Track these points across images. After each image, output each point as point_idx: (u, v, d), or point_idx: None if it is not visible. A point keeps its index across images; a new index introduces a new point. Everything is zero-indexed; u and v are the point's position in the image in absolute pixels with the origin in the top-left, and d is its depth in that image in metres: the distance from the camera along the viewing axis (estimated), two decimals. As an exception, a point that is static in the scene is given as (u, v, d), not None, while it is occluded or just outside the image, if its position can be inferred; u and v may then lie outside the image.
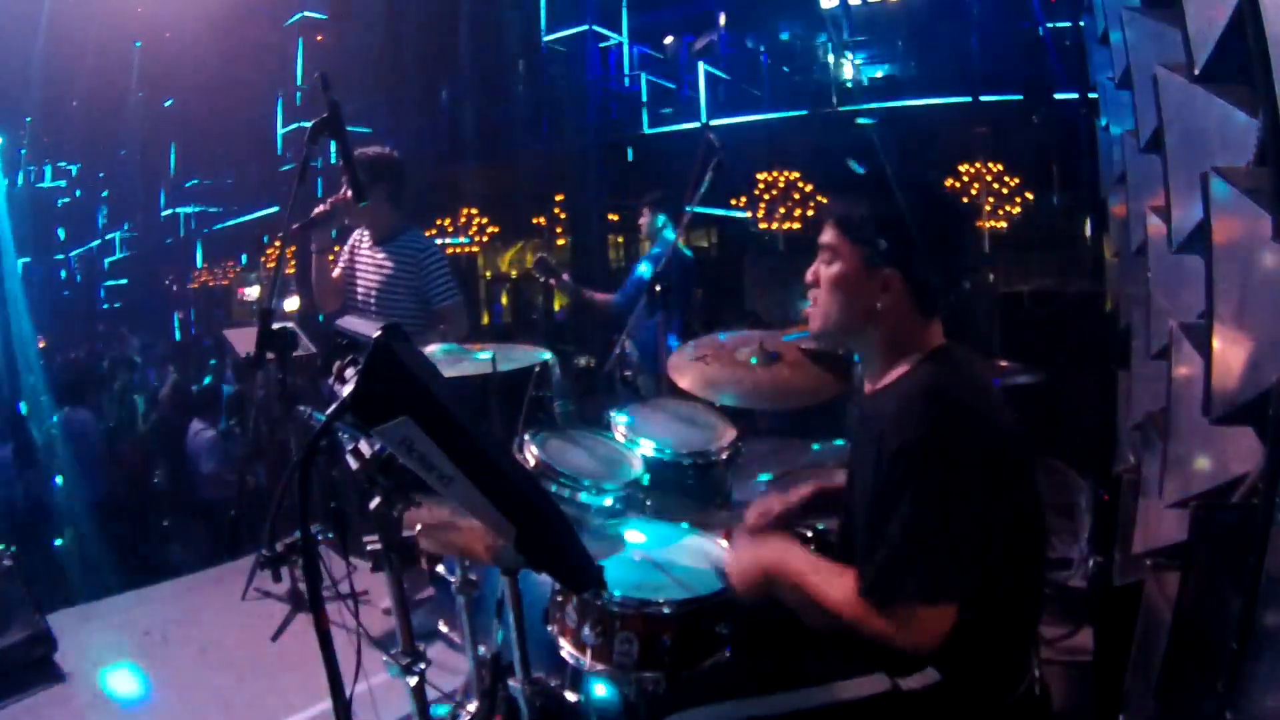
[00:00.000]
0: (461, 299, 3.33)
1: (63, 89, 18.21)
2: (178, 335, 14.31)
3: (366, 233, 3.37)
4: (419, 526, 1.69)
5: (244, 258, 20.31)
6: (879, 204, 1.51)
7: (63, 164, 23.74)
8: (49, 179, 23.81)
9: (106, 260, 24.94)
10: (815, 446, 2.70)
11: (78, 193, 24.70)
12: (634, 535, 2.03)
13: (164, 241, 23.12)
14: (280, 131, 18.14)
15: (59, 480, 6.51)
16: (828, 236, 1.55)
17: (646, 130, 14.09)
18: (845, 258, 1.52)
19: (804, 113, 12.59)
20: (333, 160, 3.16)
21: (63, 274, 25.31)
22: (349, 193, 3.04)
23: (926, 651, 1.34)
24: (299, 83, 17.40)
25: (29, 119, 19.95)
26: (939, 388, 1.41)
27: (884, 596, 1.34)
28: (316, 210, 3.11)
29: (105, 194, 24.33)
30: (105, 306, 22.76)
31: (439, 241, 16.42)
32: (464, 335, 3.19)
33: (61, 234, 24.80)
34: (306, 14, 17.53)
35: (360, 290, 3.33)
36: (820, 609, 1.45)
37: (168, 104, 18.84)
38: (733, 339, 2.57)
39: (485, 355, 2.33)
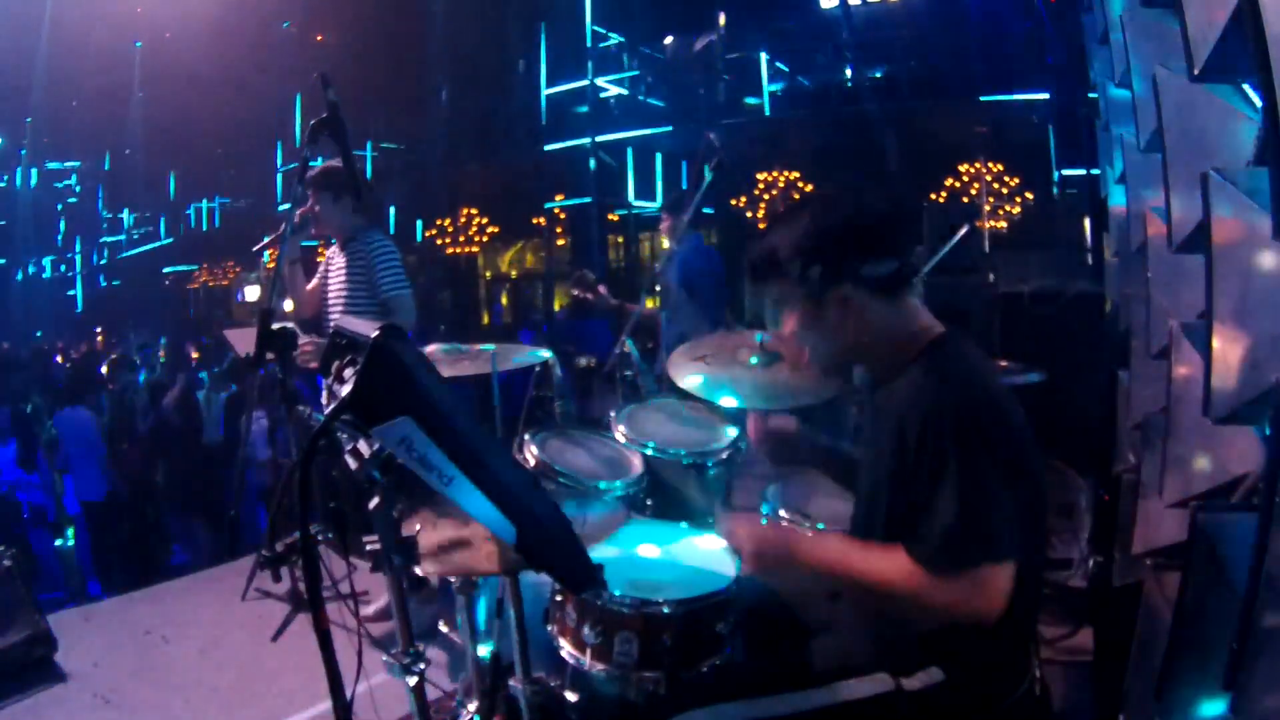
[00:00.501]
0: (411, 292, 3.37)
1: (63, 89, 18.22)
2: (166, 337, 14.28)
3: (338, 243, 3.45)
4: (419, 530, 1.68)
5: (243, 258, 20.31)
6: (788, 237, 1.49)
7: (63, 164, 23.74)
8: (49, 179, 23.81)
9: (105, 260, 24.95)
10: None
11: (77, 188, 24.70)
12: (634, 535, 2.03)
13: (164, 241, 23.13)
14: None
15: (59, 480, 6.52)
16: (772, 291, 1.54)
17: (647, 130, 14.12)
18: (795, 302, 1.51)
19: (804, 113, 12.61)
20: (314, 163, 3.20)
21: (63, 268, 25.30)
22: (316, 205, 3.20)
23: (995, 613, 1.31)
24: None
25: (29, 119, 19.95)
26: (950, 369, 1.42)
27: (951, 563, 1.32)
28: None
29: (105, 194, 24.34)
30: (105, 306, 22.75)
31: (438, 241, 16.50)
32: (412, 328, 3.25)
33: (61, 234, 24.81)
34: (306, 15, 17.53)
35: (330, 294, 3.42)
36: (870, 588, 1.42)
37: (168, 104, 18.83)
38: (733, 338, 2.57)
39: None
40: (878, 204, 1.52)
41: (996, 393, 1.43)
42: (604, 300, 4.71)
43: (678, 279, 4.53)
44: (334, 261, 3.45)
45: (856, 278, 1.46)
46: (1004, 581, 1.32)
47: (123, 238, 24.54)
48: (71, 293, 24.89)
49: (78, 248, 25.06)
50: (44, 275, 24.53)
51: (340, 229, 3.37)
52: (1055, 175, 11.33)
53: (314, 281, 3.51)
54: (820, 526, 1.99)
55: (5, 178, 22.26)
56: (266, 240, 3.34)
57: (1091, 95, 3.49)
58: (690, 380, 2.41)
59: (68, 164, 23.87)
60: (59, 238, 24.79)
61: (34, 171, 22.92)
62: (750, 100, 14.03)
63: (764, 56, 13.88)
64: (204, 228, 22.30)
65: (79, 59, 17.16)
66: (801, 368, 1.61)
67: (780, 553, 1.54)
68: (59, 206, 24.65)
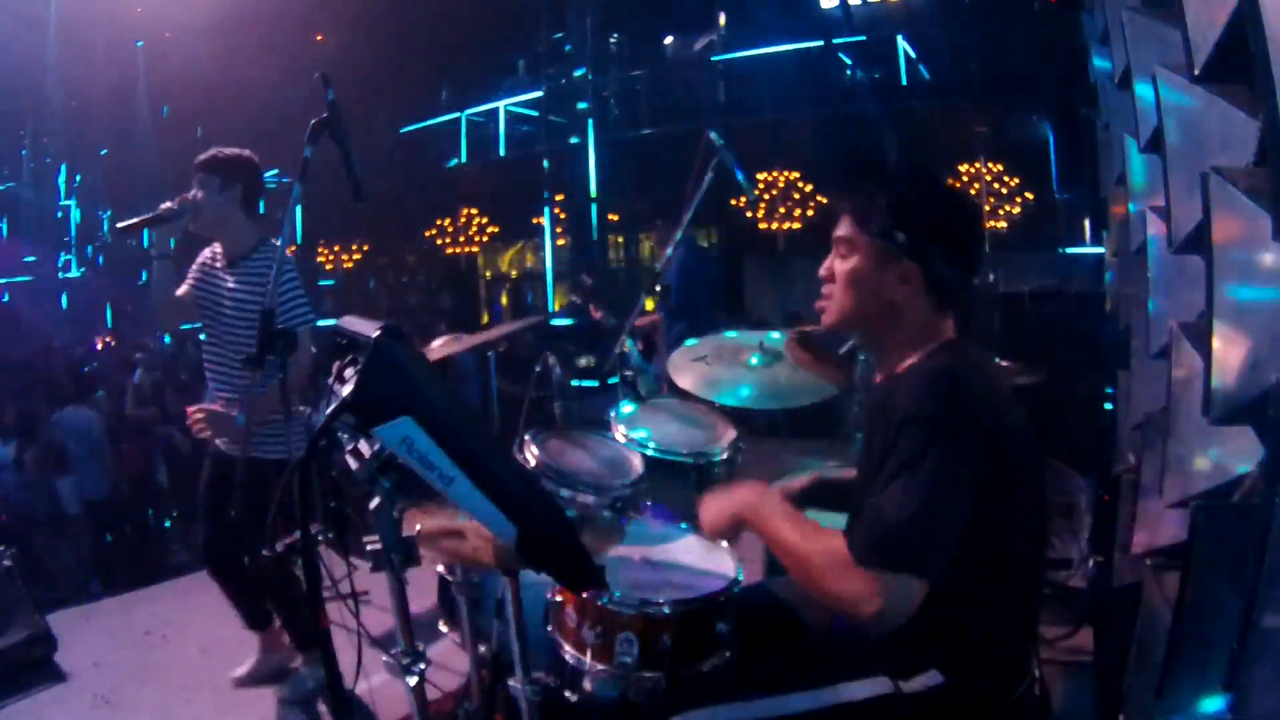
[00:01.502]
0: (312, 324, 2.80)
1: (63, 89, 18.22)
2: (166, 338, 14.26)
3: (220, 249, 2.90)
4: (418, 527, 1.69)
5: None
6: (896, 196, 1.50)
7: (63, 164, 23.74)
8: (49, 179, 23.80)
9: (105, 260, 24.94)
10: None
11: (77, 188, 24.70)
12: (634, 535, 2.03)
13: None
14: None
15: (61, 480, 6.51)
16: (844, 230, 1.53)
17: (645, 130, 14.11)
18: (862, 251, 1.51)
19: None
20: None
21: (62, 260, 25.24)
22: (200, 193, 2.75)
23: (892, 625, 1.31)
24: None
25: (29, 119, 19.95)
26: (950, 370, 1.42)
27: (875, 558, 1.32)
28: (162, 207, 2.72)
29: (106, 194, 24.34)
30: (102, 306, 22.75)
31: (438, 241, 16.48)
32: (308, 368, 2.77)
33: (62, 233, 24.81)
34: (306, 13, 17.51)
35: (209, 316, 2.87)
36: (791, 556, 1.45)
37: (168, 105, 18.84)
38: (733, 338, 2.57)
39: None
40: (977, 216, 1.63)
41: (990, 400, 1.43)
42: (605, 319, 4.74)
43: (676, 280, 4.56)
44: (217, 279, 2.85)
45: (927, 264, 1.47)
46: (915, 597, 1.31)
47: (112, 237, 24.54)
48: (70, 293, 24.87)
49: (77, 248, 25.05)
50: (44, 275, 24.52)
51: (219, 226, 2.81)
52: (1055, 175, 11.33)
53: (184, 288, 2.91)
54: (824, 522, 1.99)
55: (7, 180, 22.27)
56: (135, 220, 2.79)
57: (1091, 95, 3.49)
58: (690, 380, 2.42)
59: (68, 164, 23.87)
60: (59, 236, 24.79)
61: (33, 171, 22.93)
62: (750, 100, 14.01)
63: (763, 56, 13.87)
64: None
65: (79, 59, 17.16)
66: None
67: (732, 516, 1.60)
68: (59, 204, 24.65)
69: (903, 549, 1.31)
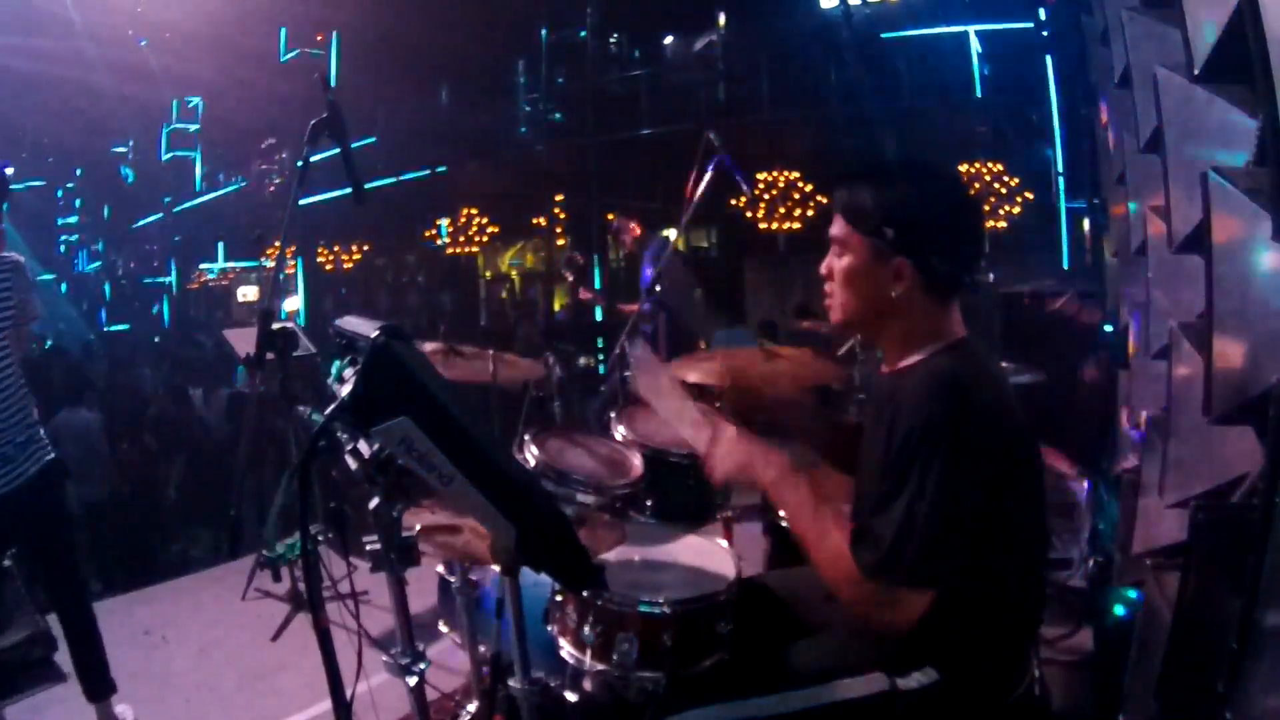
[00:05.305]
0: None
1: (63, 89, 18.22)
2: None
3: None
4: (418, 527, 1.69)
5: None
6: (884, 193, 1.48)
7: (63, 165, 23.75)
8: (48, 180, 23.80)
9: (105, 261, 24.98)
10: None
11: (76, 195, 24.72)
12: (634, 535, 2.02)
13: (163, 241, 23.18)
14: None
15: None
16: (836, 229, 1.52)
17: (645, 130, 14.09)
18: (855, 249, 1.49)
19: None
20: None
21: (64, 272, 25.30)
22: None
23: (898, 634, 1.35)
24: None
25: (29, 120, 19.95)
26: (955, 375, 1.40)
27: (875, 573, 1.34)
28: None
29: (105, 194, 24.35)
30: (104, 307, 22.77)
31: (438, 241, 16.49)
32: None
33: (61, 234, 24.83)
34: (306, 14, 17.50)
35: None
36: (804, 547, 1.47)
37: (167, 103, 18.84)
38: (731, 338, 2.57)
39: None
40: (973, 209, 1.55)
41: (994, 404, 1.41)
42: (595, 299, 4.76)
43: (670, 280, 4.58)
44: None
45: (920, 259, 1.45)
46: (915, 608, 1.33)
47: (122, 238, 24.54)
48: (70, 294, 24.88)
49: (76, 249, 25.07)
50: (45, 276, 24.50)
51: None
52: (1055, 175, 11.32)
53: None
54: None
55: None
56: None
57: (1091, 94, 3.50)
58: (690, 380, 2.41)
59: (68, 165, 23.87)
60: (59, 237, 24.81)
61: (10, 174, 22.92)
62: (749, 99, 13.99)
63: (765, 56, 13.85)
64: (201, 228, 22.32)
65: (78, 59, 17.14)
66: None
67: (748, 477, 1.58)
68: (58, 205, 24.66)
69: (905, 565, 1.32)
